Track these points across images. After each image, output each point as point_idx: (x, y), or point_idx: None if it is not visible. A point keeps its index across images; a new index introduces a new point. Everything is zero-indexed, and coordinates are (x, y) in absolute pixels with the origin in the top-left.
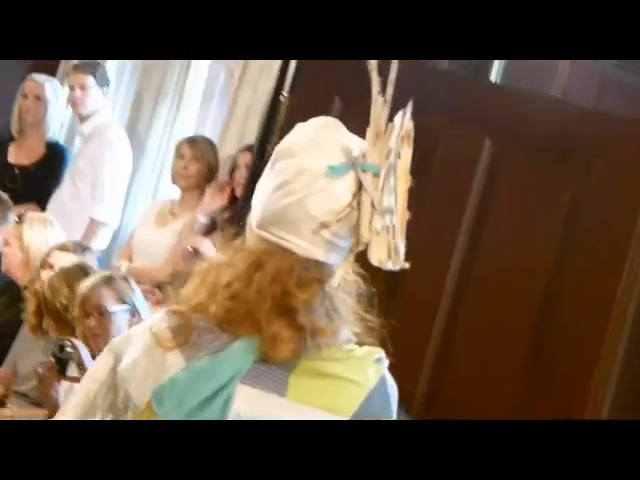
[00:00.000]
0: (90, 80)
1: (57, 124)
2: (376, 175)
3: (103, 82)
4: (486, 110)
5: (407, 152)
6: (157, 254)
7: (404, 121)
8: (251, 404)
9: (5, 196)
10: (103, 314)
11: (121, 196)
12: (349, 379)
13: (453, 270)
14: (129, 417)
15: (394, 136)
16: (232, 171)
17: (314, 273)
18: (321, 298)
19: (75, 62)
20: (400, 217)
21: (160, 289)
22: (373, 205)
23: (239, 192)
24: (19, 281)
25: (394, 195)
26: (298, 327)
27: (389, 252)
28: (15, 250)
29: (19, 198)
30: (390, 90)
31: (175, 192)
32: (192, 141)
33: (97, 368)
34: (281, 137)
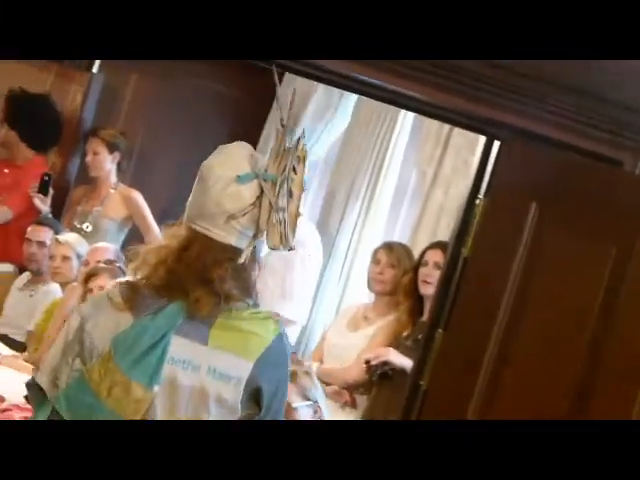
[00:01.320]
0: None
1: None
2: (274, 183)
3: None
4: None
5: (302, 168)
6: (348, 357)
7: (299, 145)
8: (182, 350)
9: None
10: (287, 409)
11: (310, 294)
12: (254, 332)
13: None
14: (94, 361)
15: (290, 155)
16: (417, 266)
17: (227, 254)
18: (232, 273)
19: None
20: (292, 215)
21: (349, 390)
22: (270, 204)
23: (424, 289)
24: None
25: (286, 197)
26: (214, 293)
27: (281, 239)
28: None
29: None
30: (290, 120)
31: (366, 294)
32: (389, 247)
33: (69, 327)
34: (476, 240)
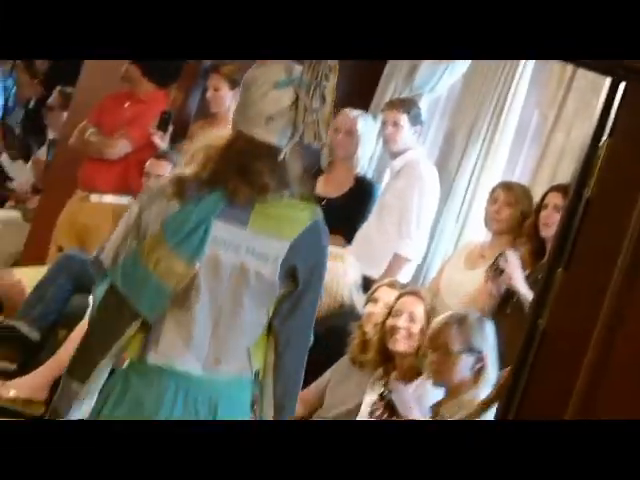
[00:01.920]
0: (404, 118)
1: (367, 158)
2: (309, 88)
3: (416, 121)
4: None
5: (334, 77)
6: (464, 294)
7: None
8: (224, 232)
9: None
10: (447, 353)
11: (427, 233)
12: (291, 216)
13: None
14: (147, 239)
15: (322, 64)
16: (538, 210)
17: (268, 151)
18: (271, 167)
19: (391, 98)
20: (325, 117)
21: None
22: (305, 107)
23: (544, 232)
24: None
25: (319, 101)
26: (251, 184)
27: (315, 136)
28: None
29: None
30: None
31: (483, 234)
32: (507, 186)
33: (130, 214)
34: (598, 181)
